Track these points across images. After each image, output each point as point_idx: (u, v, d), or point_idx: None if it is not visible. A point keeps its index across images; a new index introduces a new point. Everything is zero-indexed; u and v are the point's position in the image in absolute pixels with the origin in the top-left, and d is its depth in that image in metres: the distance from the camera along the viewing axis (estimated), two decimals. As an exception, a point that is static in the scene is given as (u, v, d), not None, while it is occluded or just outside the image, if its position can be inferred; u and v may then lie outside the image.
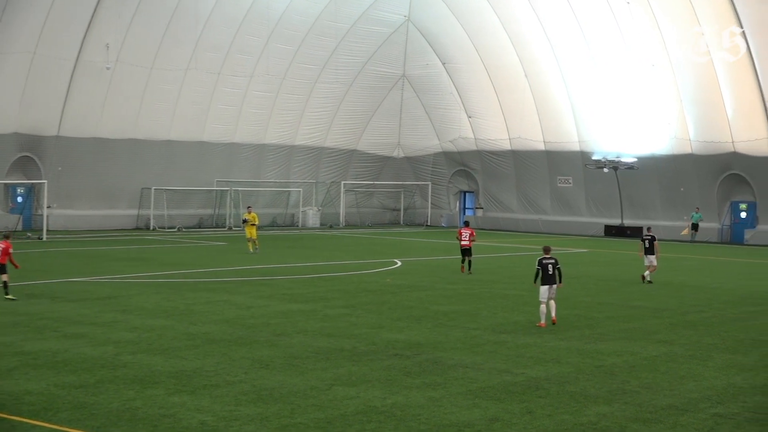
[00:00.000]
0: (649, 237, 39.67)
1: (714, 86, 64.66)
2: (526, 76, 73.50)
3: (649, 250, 39.22)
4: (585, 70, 70.49)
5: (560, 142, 74.43)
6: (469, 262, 42.34)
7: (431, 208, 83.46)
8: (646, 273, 39.23)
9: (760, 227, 66.81)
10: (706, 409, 17.30)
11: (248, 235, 49.85)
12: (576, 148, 73.80)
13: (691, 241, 66.34)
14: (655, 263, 39.21)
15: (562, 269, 27.27)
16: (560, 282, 27.12)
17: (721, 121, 65.53)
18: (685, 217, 69.22)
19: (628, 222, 72.79)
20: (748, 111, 64.01)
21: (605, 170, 71.63)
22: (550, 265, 26.84)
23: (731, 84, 64.14)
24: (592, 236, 72.00)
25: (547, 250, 27.54)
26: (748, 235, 66.74)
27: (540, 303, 26.81)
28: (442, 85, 78.97)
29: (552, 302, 26.94)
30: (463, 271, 41.83)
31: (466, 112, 78.88)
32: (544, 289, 26.72)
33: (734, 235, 68.76)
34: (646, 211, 72.22)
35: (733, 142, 65.71)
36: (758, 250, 60.83)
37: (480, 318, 27.87)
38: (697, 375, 20.29)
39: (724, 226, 69.13)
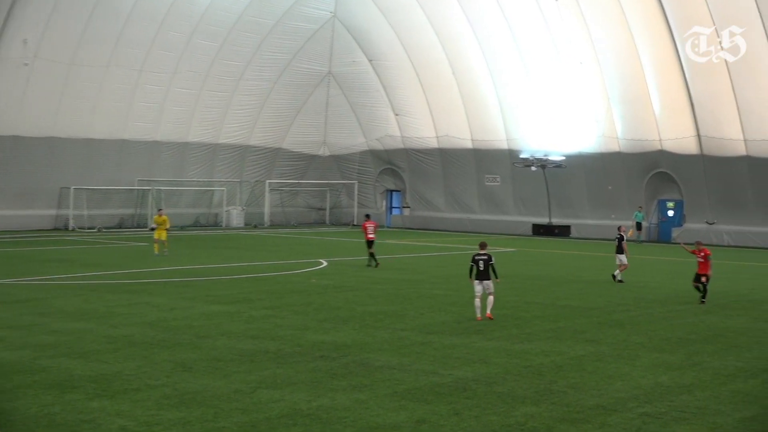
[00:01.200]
0: (619, 237, 40.16)
1: (641, 84, 65.41)
2: (453, 73, 73.76)
3: (619, 249, 39.73)
4: (513, 68, 70.92)
5: (488, 140, 74.80)
6: (373, 254, 44.29)
7: (357, 207, 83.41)
8: (617, 272, 39.67)
9: (687, 225, 67.60)
10: (634, 409, 17.47)
11: (156, 236, 48.60)
12: (504, 146, 74.23)
13: (637, 241, 66.71)
14: (625, 262, 39.68)
15: (496, 266, 27.94)
16: (496, 278, 27.88)
17: (649, 119, 66.31)
18: (613, 215, 69.85)
19: (556, 221, 73.37)
20: (675, 109, 64.79)
21: (533, 169, 72.12)
22: (481, 261, 27.64)
23: (658, 82, 64.93)
24: (520, 235, 72.47)
25: (482, 246, 28.29)
26: (675, 233, 67.52)
27: (474, 297, 27.80)
28: (369, 83, 79.00)
29: (490, 297, 27.72)
30: (372, 265, 43.68)
31: (393, 110, 79.00)
32: (476, 284, 27.69)
33: (661, 234, 69.58)
34: (574, 209, 72.85)
35: (660, 140, 66.51)
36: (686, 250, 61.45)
37: (407, 318, 27.91)
38: (625, 374, 20.48)
39: (652, 225, 69.93)
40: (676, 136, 65.62)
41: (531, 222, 74.43)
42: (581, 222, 72.34)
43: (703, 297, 33.11)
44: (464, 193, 78.03)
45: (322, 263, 45.60)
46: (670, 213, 69.80)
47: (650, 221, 69.79)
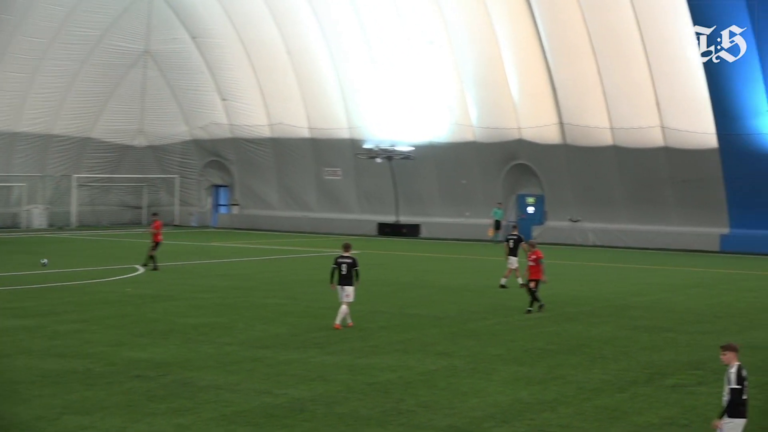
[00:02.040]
0: (514, 237, 40.50)
1: (498, 67, 66.21)
2: (289, 53, 73.66)
3: (513, 252, 40.08)
4: (356, 48, 71.13)
5: (327, 128, 74.94)
6: (153, 257, 45.30)
7: (179, 205, 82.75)
8: (503, 280, 39.93)
9: (549, 223, 68.83)
10: (491, 429, 17.69)
11: None
12: (345, 135, 74.44)
13: (494, 242, 67.37)
14: (516, 265, 40.02)
15: (360, 270, 28.82)
16: (357, 281, 28.76)
17: (507, 106, 67.16)
18: (468, 213, 70.73)
19: (404, 219, 73.88)
20: (536, 94, 65.79)
21: (378, 160, 72.47)
22: (344, 265, 28.51)
23: (517, 64, 65.84)
24: (363, 235, 72.58)
25: (346, 247, 29.24)
26: (535, 232, 68.48)
27: (341, 304, 28.59)
28: (192, 63, 78.39)
29: (344, 307, 28.52)
30: (156, 269, 44.53)
31: (220, 95, 78.58)
32: (339, 290, 28.53)
33: (521, 232, 69.96)
34: (424, 206, 73.42)
35: (519, 128, 67.48)
36: (546, 250, 62.36)
37: (235, 331, 27.83)
38: (480, 390, 20.73)
39: (510, 223, 70.78)
40: (537, 124, 66.68)
41: (376, 221, 74.80)
42: (432, 220, 72.98)
43: (530, 305, 33.08)
44: (300, 188, 78.05)
45: (137, 270, 45.14)
46: (530, 209, 70.92)
47: (508, 219, 70.69)
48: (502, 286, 39.82)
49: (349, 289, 28.49)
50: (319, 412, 18.57)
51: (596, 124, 64.58)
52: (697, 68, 60.22)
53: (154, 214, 50.07)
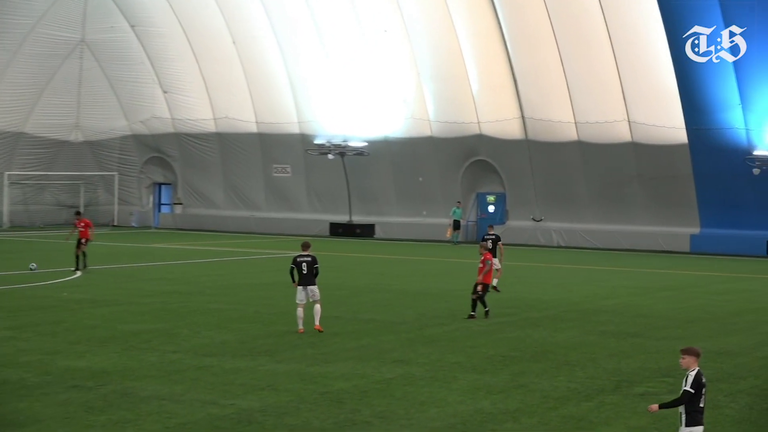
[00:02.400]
0: (492, 237, 40.40)
1: (457, 58, 66.26)
2: (235, 43, 73.46)
3: (492, 252, 39.80)
4: (306, 38, 70.99)
5: (276, 122, 74.78)
6: (85, 254, 45.80)
7: (119, 204, 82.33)
8: (494, 281, 39.69)
9: (511, 223, 68.92)
10: (450, 440, 17.72)
11: None
12: (295, 130, 74.29)
13: (453, 242, 67.45)
14: (498, 266, 39.82)
15: (319, 269, 29.02)
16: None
17: (466, 99, 67.23)
18: (425, 212, 70.75)
19: (358, 219, 73.80)
20: (497, 87, 65.89)
21: (330, 157, 72.38)
22: (304, 264, 28.67)
23: (477, 56, 65.90)
24: (315, 236, 72.15)
25: (305, 246, 29.37)
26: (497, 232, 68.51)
27: (297, 306, 28.75)
28: (131, 53, 78.03)
29: (316, 306, 28.81)
30: (85, 267, 45.28)
31: (162, 87, 78.27)
32: (299, 290, 28.67)
33: (480, 233, 70.31)
34: (379, 205, 73.38)
35: (479, 122, 67.56)
36: (508, 251, 62.18)
37: (179, 338, 27.68)
38: (440, 400, 20.70)
39: (470, 223, 70.94)
40: (497, 118, 66.77)
41: (328, 220, 74.70)
42: (387, 220, 72.94)
43: (485, 306, 32.95)
44: (248, 186, 77.85)
45: (75, 273, 44.87)
46: (491, 208, 70.98)
47: (468, 218, 70.75)
48: (494, 288, 39.48)
49: (312, 289, 28.66)
50: (268, 424, 18.50)
51: (560, 119, 64.76)
52: (663, 60, 60.51)
53: (78, 213, 50.15)
